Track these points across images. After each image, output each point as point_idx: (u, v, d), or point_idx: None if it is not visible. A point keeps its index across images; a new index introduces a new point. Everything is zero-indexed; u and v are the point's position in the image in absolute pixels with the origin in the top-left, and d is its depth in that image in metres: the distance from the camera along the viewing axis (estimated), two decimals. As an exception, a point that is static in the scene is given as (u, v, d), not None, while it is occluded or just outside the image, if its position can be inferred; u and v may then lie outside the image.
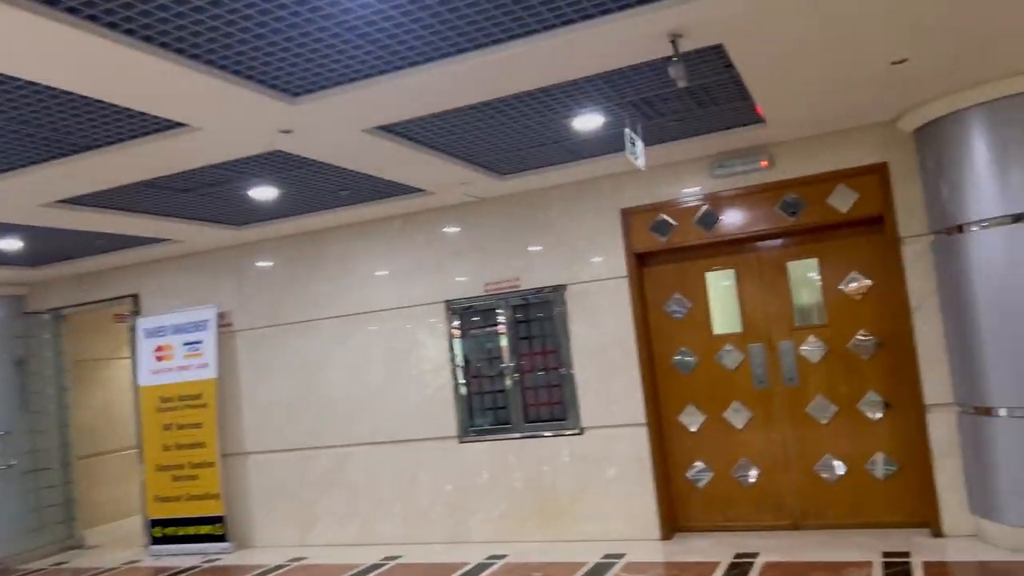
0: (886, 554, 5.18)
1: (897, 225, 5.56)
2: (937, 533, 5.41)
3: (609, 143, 5.45)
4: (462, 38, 3.49)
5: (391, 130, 4.70)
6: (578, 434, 6.41)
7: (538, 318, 6.67)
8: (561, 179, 6.35)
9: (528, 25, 3.42)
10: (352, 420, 7.21)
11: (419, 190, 6.29)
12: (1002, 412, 4.93)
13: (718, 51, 3.90)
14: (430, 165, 5.48)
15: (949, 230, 5.19)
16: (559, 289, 6.51)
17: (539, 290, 6.59)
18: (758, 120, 5.33)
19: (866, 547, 5.36)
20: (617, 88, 4.36)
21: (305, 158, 5.07)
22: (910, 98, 5.02)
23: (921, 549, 5.21)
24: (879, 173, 5.61)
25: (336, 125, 4.43)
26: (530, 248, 6.64)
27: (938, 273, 5.39)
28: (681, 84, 3.65)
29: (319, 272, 7.42)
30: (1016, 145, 4.82)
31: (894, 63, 4.28)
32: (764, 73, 4.27)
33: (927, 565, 4.90)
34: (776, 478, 6.06)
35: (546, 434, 6.54)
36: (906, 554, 5.13)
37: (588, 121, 4.90)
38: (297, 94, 3.99)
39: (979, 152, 4.98)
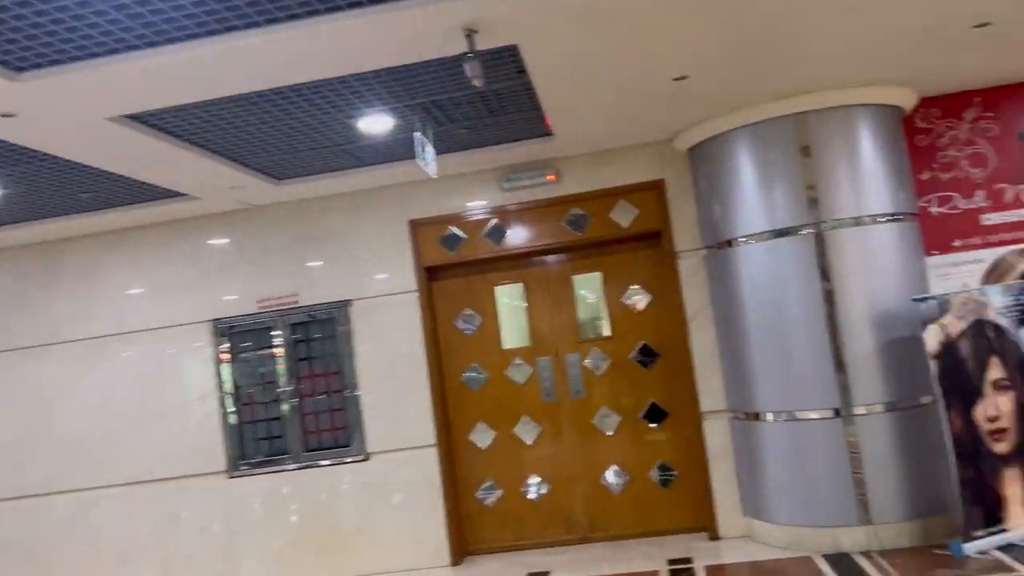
0: (671, 561, 5.29)
1: (673, 240, 5.77)
2: (714, 536, 5.63)
3: (397, 149, 5.16)
4: (231, 13, 3.04)
5: (143, 120, 4.07)
6: (363, 460, 5.99)
7: (319, 337, 6.19)
8: (345, 187, 5.95)
9: (309, 4, 3.04)
10: (101, 459, 6.24)
11: (181, 194, 5.59)
12: (769, 417, 5.24)
13: (512, 53, 3.76)
14: (193, 165, 4.85)
15: (720, 245, 5.46)
16: (343, 305, 6.08)
17: (321, 307, 6.12)
18: (547, 133, 5.30)
19: (652, 556, 5.45)
20: (407, 87, 4.09)
21: (34, 150, 4.26)
22: (687, 117, 5.22)
23: (702, 554, 5.38)
24: (657, 190, 5.81)
25: (73, 111, 3.73)
26: (310, 262, 6.15)
27: (711, 286, 5.66)
28: (477, 83, 3.45)
29: (57, 289, 6.38)
30: (778, 165, 5.16)
31: (676, 79, 4.39)
32: (555, 81, 4.20)
33: (709, 569, 5.06)
34: (565, 492, 6.03)
35: (328, 462, 6.05)
36: (689, 560, 5.27)
37: (375, 123, 4.57)
38: (21, 69, 3.29)
39: (745, 171, 5.28)
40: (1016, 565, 4.33)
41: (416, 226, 6.05)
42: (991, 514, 4.66)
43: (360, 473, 6.00)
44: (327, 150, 5.04)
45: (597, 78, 4.24)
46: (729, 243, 5.39)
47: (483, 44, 3.47)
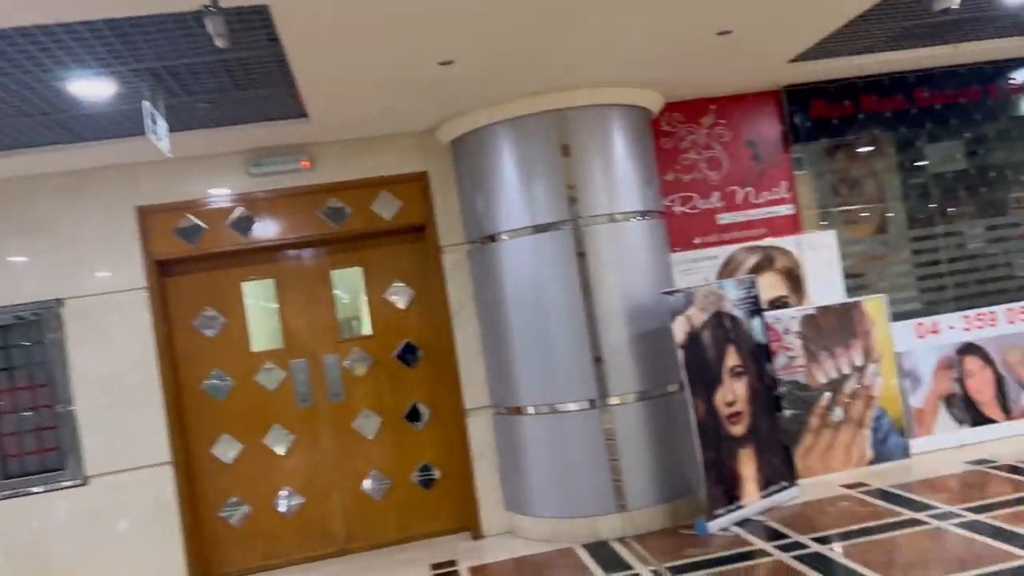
0: (434, 565, 5.10)
1: (437, 234, 5.59)
2: (477, 535, 5.54)
3: (123, 123, 4.46)
4: None
5: None
6: (80, 485, 5.15)
7: (22, 344, 5.22)
8: (55, 165, 5.06)
9: (-4, -77, 2.43)
10: None
11: None
12: (531, 410, 5.24)
13: (263, 16, 3.33)
14: None
15: (483, 240, 5.38)
16: (54, 305, 5.17)
17: (24, 308, 5.16)
18: (301, 114, 4.87)
19: (415, 562, 5.23)
20: (132, 46, 3.48)
21: None
22: (452, 107, 5.06)
23: (465, 554, 5.25)
24: (420, 182, 5.60)
25: None
26: (11, 255, 5.17)
27: (474, 281, 5.56)
28: (220, 43, 2.99)
29: None
30: (538, 161, 5.17)
31: (441, 64, 4.20)
32: (311, 54, 3.81)
33: (473, 570, 4.94)
34: (322, 503, 5.62)
35: (36, 490, 5.13)
36: (453, 563, 5.12)
37: (92, 88, 3.88)
38: None
39: (507, 166, 5.24)
40: (751, 538, 4.67)
41: (146, 214, 5.31)
42: (730, 492, 5.00)
43: (78, 499, 5.15)
44: (30, 119, 4.22)
45: (358, 55, 3.92)
46: (492, 238, 5.32)
47: (228, 0, 3.02)
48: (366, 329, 5.73)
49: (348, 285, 5.76)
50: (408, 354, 5.74)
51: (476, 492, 5.55)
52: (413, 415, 5.74)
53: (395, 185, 5.58)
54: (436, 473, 5.74)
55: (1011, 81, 6.22)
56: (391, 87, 4.51)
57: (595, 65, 4.68)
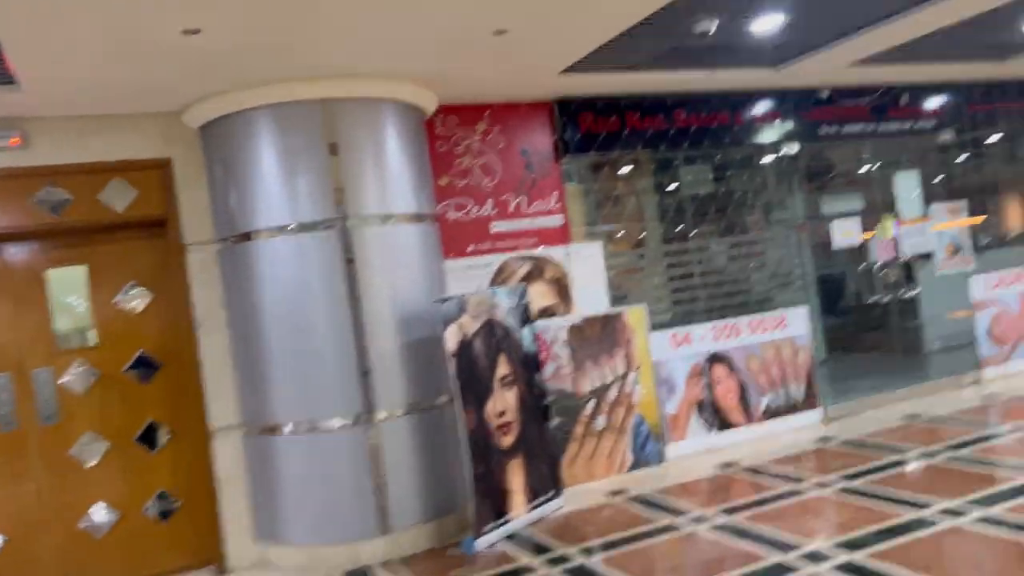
0: (169, 610, 4.46)
1: (181, 230, 4.95)
2: (223, 570, 4.95)
3: None
4: None
5: None
6: None
7: None
8: None
9: None
10: None
11: None
12: (287, 429, 4.77)
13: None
14: None
15: (237, 238, 4.84)
16: None
17: None
18: (8, 80, 4.06)
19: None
20: None
21: None
22: (201, 85, 4.49)
23: (206, 592, 4.66)
24: (162, 170, 4.95)
25: None
26: None
27: (225, 284, 4.98)
28: None
29: None
30: (303, 154, 4.73)
31: (185, 32, 3.65)
32: (16, 6, 3.13)
33: (216, 612, 4.37)
34: (28, 545, 4.73)
35: None
36: (190, 604, 4.51)
37: None
38: None
39: (268, 157, 4.75)
40: (518, 553, 4.54)
41: None
42: (498, 506, 4.85)
43: None
44: None
45: (79, 7, 3.27)
46: (247, 236, 4.79)
47: None
48: (92, 339, 4.93)
49: (69, 287, 4.92)
50: (143, 366, 5.02)
51: (222, 521, 4.96)
52: (148, 437, 5.02)
53: (131, 172, 4.87)
54: (175, 502, 5.06)
55: (753, 110, 6.76)
56: (124, 55, 3.86)
57: (363, 52, 4.35)
